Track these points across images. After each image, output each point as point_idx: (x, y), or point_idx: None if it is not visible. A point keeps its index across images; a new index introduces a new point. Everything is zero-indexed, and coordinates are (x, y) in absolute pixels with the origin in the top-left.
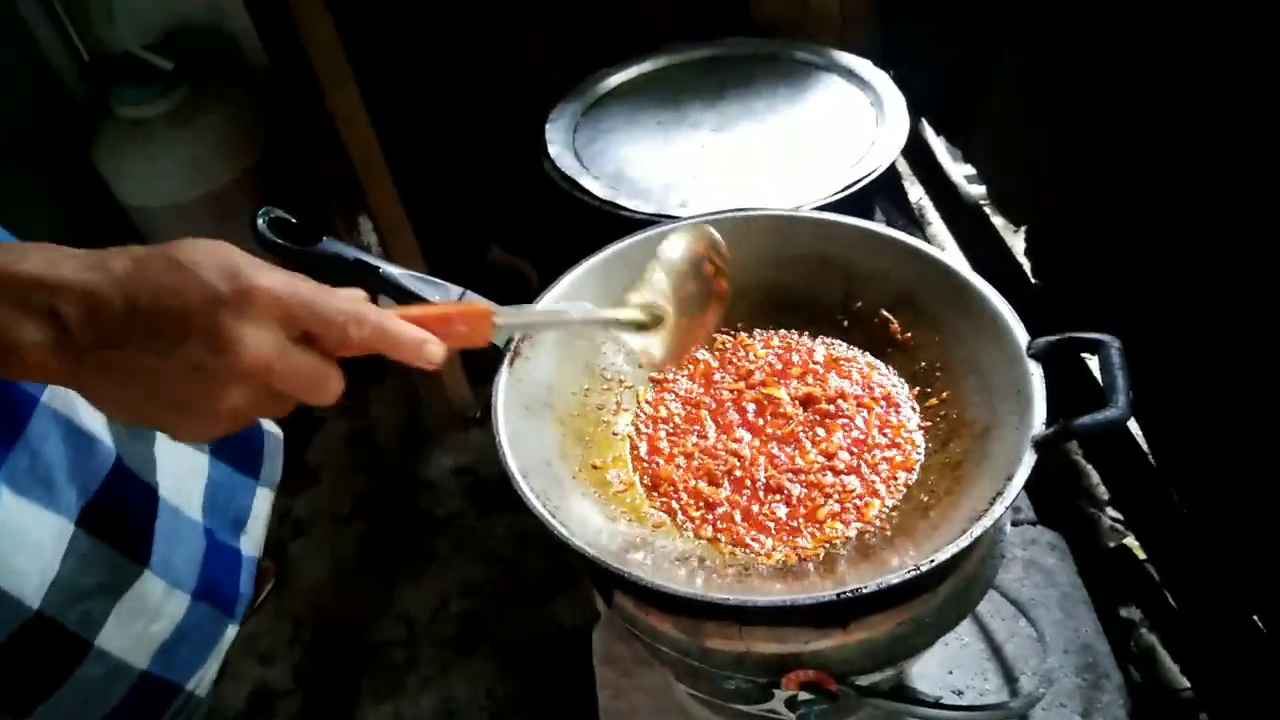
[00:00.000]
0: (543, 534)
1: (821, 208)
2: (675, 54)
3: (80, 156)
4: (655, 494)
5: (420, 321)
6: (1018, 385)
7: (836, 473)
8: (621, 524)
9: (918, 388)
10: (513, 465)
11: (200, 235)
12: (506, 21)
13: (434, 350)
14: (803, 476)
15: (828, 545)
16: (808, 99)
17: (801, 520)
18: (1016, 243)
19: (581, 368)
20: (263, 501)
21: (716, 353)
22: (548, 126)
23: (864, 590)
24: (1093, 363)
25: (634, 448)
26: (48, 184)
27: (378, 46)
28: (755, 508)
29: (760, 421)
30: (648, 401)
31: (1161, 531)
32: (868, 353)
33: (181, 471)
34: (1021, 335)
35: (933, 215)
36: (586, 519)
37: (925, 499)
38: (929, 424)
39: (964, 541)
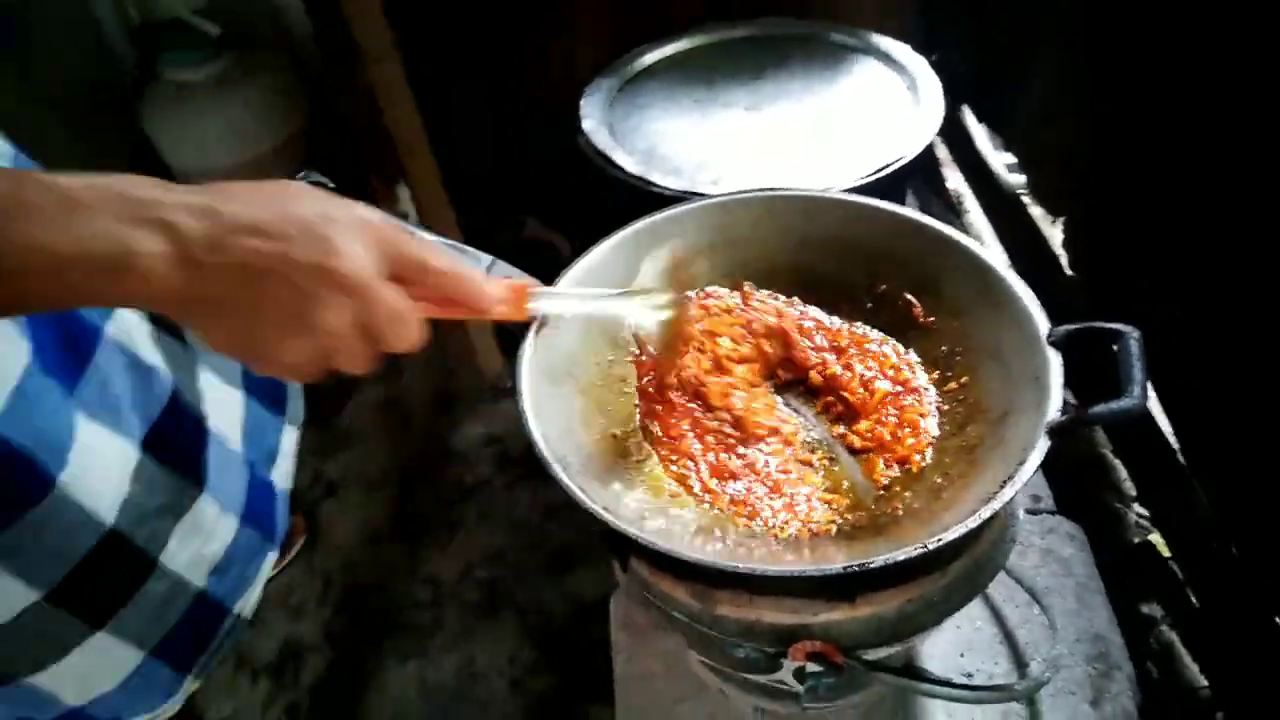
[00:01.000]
0: (567, 506)
1: (852, 190)
2: (713, 33)
3: (129, 119)
4: (672, 465)
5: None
6: (1036, 372)
7: (853, 450)
8: (639, 492)
9: (937, 372)
10: (535, 431)
11: None
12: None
13: (503, 310)
14: (819, 454)
15: (840, 521)
16: (843, 82)
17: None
18: (1054, 234)
19: (605, 339)
20: (289, 439)
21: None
22: (582, 102)
23: (871, 564)
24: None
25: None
26: (99, 146)
27: (419, 19)
28: (770, 481)
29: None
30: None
31: (1187, 530)
32: (890, 335)
33: (224, 405)
34: (1043, 323)
35: (971, 204)
36: (605, 485)
37: (939, 480)
38: (947, 407)
39: (972, 523)
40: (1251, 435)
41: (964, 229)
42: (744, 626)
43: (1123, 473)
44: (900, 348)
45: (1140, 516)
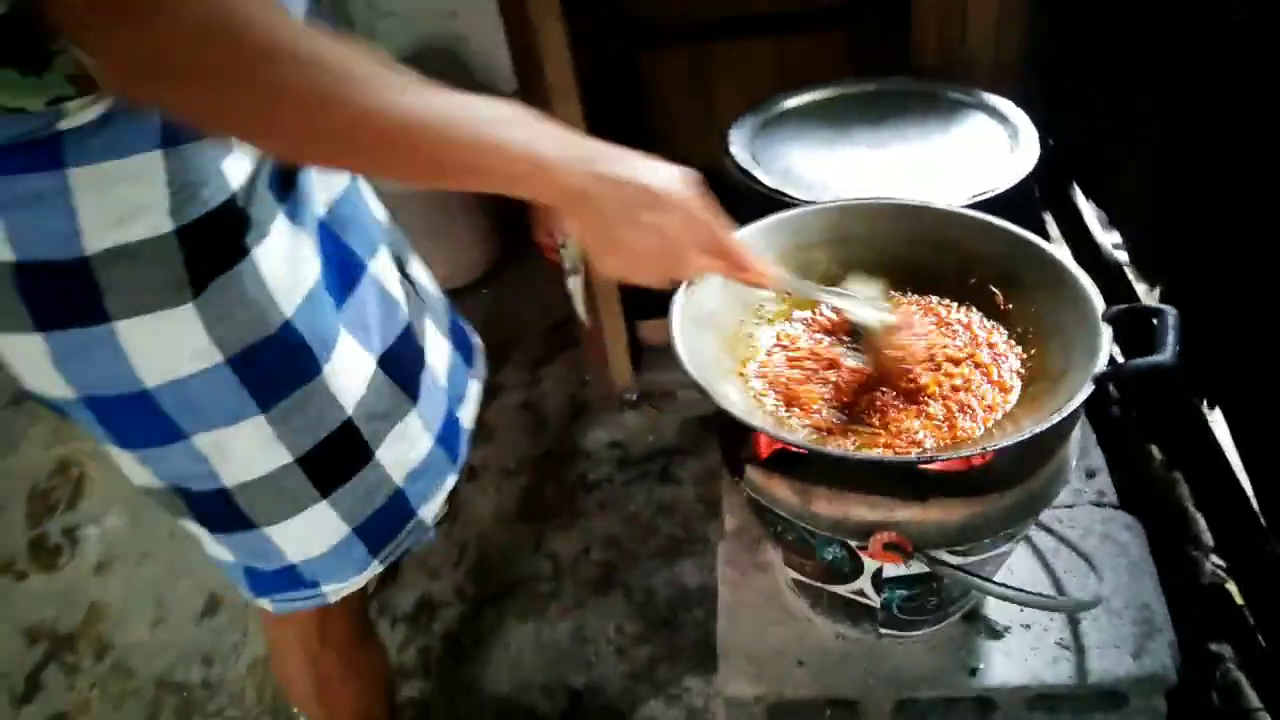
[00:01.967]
0: (677, 505)
1: None
2: (845, 87)
3: None
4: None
5: None
6: (1091, 342)
7: (944, 399)
8: (759, 411)
9: (1017, 345)
10: (683, 353)
11: None
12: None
13: (760, 280)
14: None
15: (924, 444)
16: (954, 130)
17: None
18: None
19: (740, 302)
20: (474, 388)
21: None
22: (730, 132)
23: (937, 456)
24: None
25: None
26: None
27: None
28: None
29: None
30: (789, 336)
31: (1261, 577)
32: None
33: (437, 347)
34: (1099, 304)
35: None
36: (732, 400)
37: (1006, 422)
38: (1023, 371)
39: (1021, 436)
40: None
41: None
42: (834, 521)
43: (1202, 524)
44: (1001, 330)
45: (1217, 566)
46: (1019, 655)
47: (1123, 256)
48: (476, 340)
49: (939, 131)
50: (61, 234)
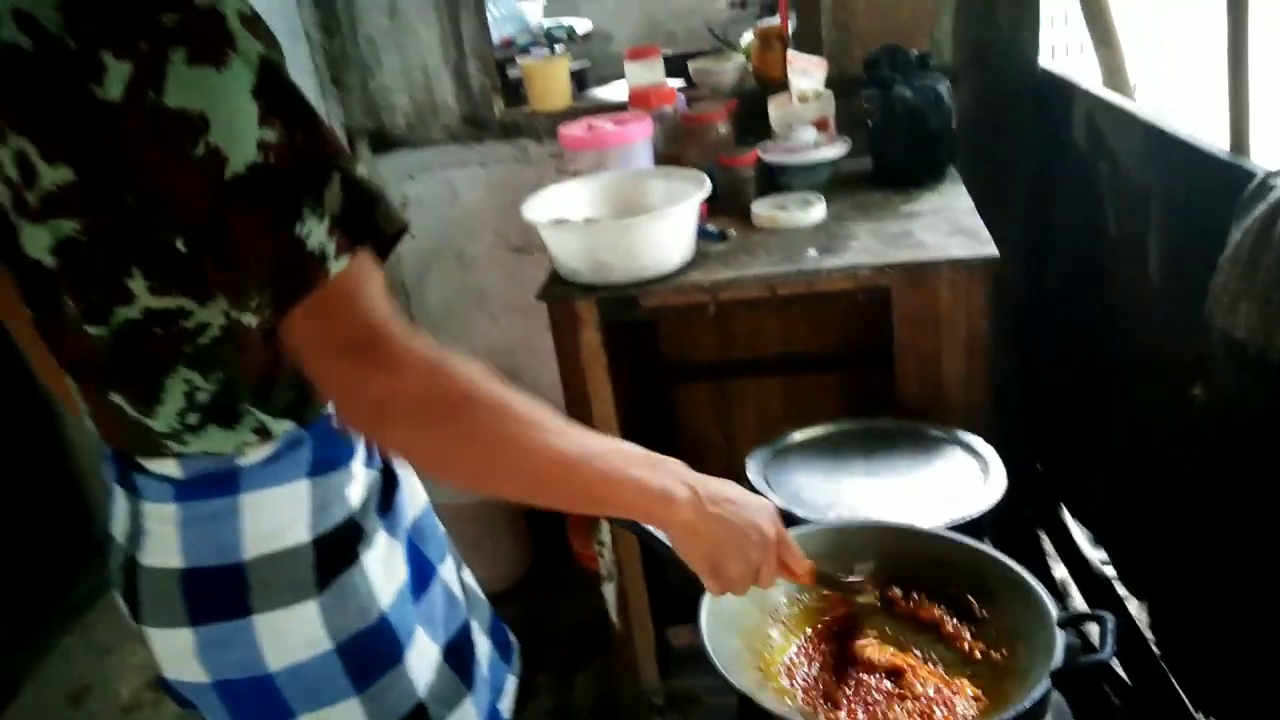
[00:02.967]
0: None
1: None
2: (843, 424)
3: None
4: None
5: None
6: (1050, 645)
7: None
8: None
9: (988, 646)
10: (712, 653)
11: None
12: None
13: (804, 579)
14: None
15: None
16: (935, 463)
17: None
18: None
19: (757, 606)
20: (511, 683)
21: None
22: (748, 460)
23: None
24: None
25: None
26: None
27: (639, 399)
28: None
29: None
30: (805, 639)
31: None
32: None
33: (481, 643)
34: (1054, 610)
35: (1073, 589)
36: (754, 693)
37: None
38: (990, 669)
39: None
40: None
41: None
42: None
43: None
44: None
45: None
46: None
47: (1111, 572)
48: (513, 639)
49: (922, 464)
50: (228, 545)
